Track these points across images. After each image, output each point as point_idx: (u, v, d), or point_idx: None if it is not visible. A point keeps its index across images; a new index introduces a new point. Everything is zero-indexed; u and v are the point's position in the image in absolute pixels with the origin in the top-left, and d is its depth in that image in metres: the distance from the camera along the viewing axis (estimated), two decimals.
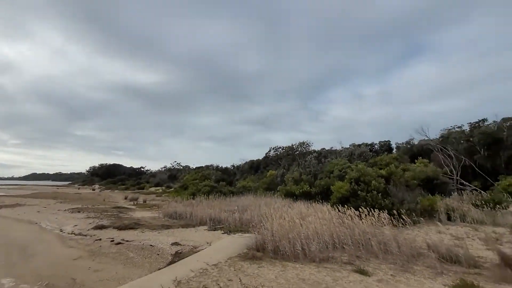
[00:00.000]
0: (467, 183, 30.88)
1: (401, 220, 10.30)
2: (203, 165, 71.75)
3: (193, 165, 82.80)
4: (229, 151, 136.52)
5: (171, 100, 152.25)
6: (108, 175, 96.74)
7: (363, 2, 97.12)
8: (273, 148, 55.55)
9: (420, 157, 32.74)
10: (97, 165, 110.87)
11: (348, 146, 43.26)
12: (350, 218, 9.82)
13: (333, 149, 44.15)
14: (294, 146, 41.72)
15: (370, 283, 5.39)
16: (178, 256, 7.98)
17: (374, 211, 10.04)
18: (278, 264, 6.73)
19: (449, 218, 13.11)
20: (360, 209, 10.46)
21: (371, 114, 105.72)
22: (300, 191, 21.17)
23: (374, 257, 7.29)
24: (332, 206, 13.78)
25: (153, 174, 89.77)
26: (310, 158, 33.15)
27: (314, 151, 40.43)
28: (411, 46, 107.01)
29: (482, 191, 21.77)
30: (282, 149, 48.03)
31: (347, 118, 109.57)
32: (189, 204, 19.42)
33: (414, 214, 11.51)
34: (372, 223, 9.03)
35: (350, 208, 11.04)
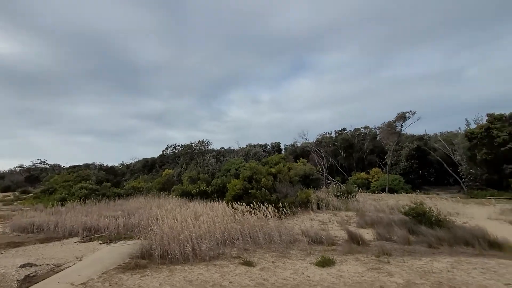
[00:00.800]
0: (332, 178, 38.86)
1: (284, 212, 11.76)
2: (81, 164, 59.80)
3: (65, 164, 67.46)
4: (118, 148, 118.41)
5: (36, 80, 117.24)
6: None
7: (260, 20, 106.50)
8: (171, 146, 52.62)
9: (302, 157, 38.66)
10: None
11: (245, 146, 46.16)
12: (241, 214, 10.39)
13: (231, 148, 46.04)
14: (193, 144, 40.83)
15: (254, 272, 5.80)
16: (29, 281, 6.18)
17: (263, 206, 11.03)
18: (165, 269, 6.27)
19: (318, 207, 16.02)
20: (251, 204, 11.26)
21: (266, 118, 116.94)
22: (197, 190, 20.85)
23: (260, 248, 7.94)
24: (227, 203, 14.23)
25: (1, 176, 67.34)
26: (209, 157, 33.27)
27: (213, 150, 40.90)
28: (298, 63, 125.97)
29: (341, 184, 27.87)
30: (181, 147, 46.13)
31: (246, 120, 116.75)
32: (56, 212, 15.67)
33: (293, 206, 13.36)
34: (260, 217, 9.84)
35: (243, 205, 11.72)
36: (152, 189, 27.68)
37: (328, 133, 50.66)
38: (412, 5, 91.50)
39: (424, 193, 29.38)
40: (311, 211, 14.59)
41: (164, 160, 53.72)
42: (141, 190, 26.38)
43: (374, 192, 30.86)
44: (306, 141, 46.17)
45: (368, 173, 38.26)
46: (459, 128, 36.68)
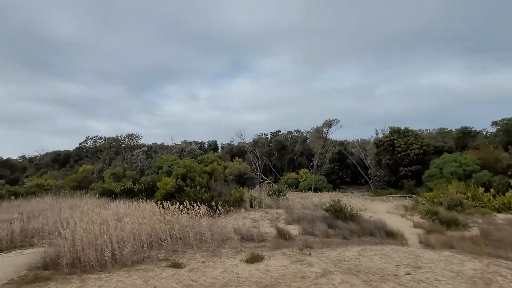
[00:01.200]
0: (265, 178, 40.67)
1: (218, 210, 11.69)
2: None
3: None
4: (18, 137, 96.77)
5: None
6: None
7: (204, 14, 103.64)
8: (92, 138, 46.26)
9: (238, 157, 39.24)
10: None
11: (180, 143, 44.13)
12: (172, 214, 9.86)
13: (164, 144, 43.31)
14: (120, 137, 36.80)
15: (182, 274, 5.56)
16: None
17: (196, 205, 10.71)
18: (75, 279, 5.44)
19: (251, 206, 16.50)
20: (184, 203, 10.80)
21: (204, 115, 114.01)
22: (122, 188, 18.91)
23: (190, 248, 7.68)
24: (156, 203, 13.31)
25: None
26: (138, 153, 30.53)
27: (144, 145, 37.70)
28: (239, 64, 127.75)
29: (274, 183, 29.43)
30: (104, 140, 41.00)
31: (182, 115, 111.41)
32: None
33: (227, 204, 13.43)
34: (192, 216, 9.53)
35: (175, 204, 11.14)
36: (63, 187, 23.78)
37: (264, 134, 52.90)
38: (341, 24, 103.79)
39: (342, 192, 33.62)
40: (244, 210, 14.93)
41: (82, 154, 46.79)
42: (49, 188, 22.38)
43: (302, 191, 33.65)
44: (243, 141, 47.16)
45: (297, 173, 41.49)
46: (371, 137, 43.32)
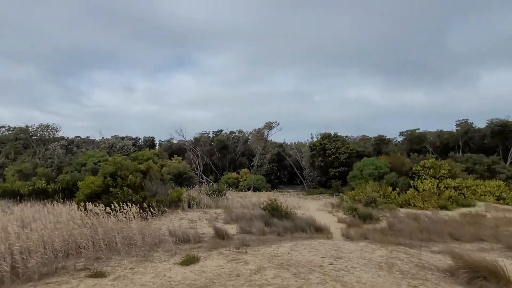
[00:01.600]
0: (206, 177, 39.89)
1: (151, 212, 10.89)
2: None
3: None
4: None
5: None
6: None
7: (150, 2, 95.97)
8: None
9: (177, 155, 37.46)
10: None
11: (110, 137, 39.63)
12: (97, 217, 8.77)
13: (90, 138, 38.20)
14: (31, 128, 30.92)
15: (105, 284, 4.98)
16: None
17: (126, 206, 9.75)
18: None
19: (190, 206, 15.95)
20: (111, 205, 9.72)
21: (139, 108, 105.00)
22: (30, 188, 15.96)
23: (117, 254, 6.96)
24: (78, 204, 11.70)
25: None
26: (55, 147, 26.18)
27: (63, 138, 32.51)
28: (182, 58, 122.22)
29: (214, 183, 29.08)
30: (8, 130, 33.81)
31: (114, 107, 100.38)
32: None
33: (162, 205, 12.67)
34: (121, 219, 8.66)
35: (99, 206, 9.92)
36: None
37: (206, 133, 51.86)
38: (287, 32, 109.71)
39: (279, 191, 35.45)
40: (181, 210, 14.31)
41: None
42: None
43: (242, 190, 34.17)
44: (183, 139, 45.23)
45: (238, 173, 41.96)
46: (307, 140, 46.88)
